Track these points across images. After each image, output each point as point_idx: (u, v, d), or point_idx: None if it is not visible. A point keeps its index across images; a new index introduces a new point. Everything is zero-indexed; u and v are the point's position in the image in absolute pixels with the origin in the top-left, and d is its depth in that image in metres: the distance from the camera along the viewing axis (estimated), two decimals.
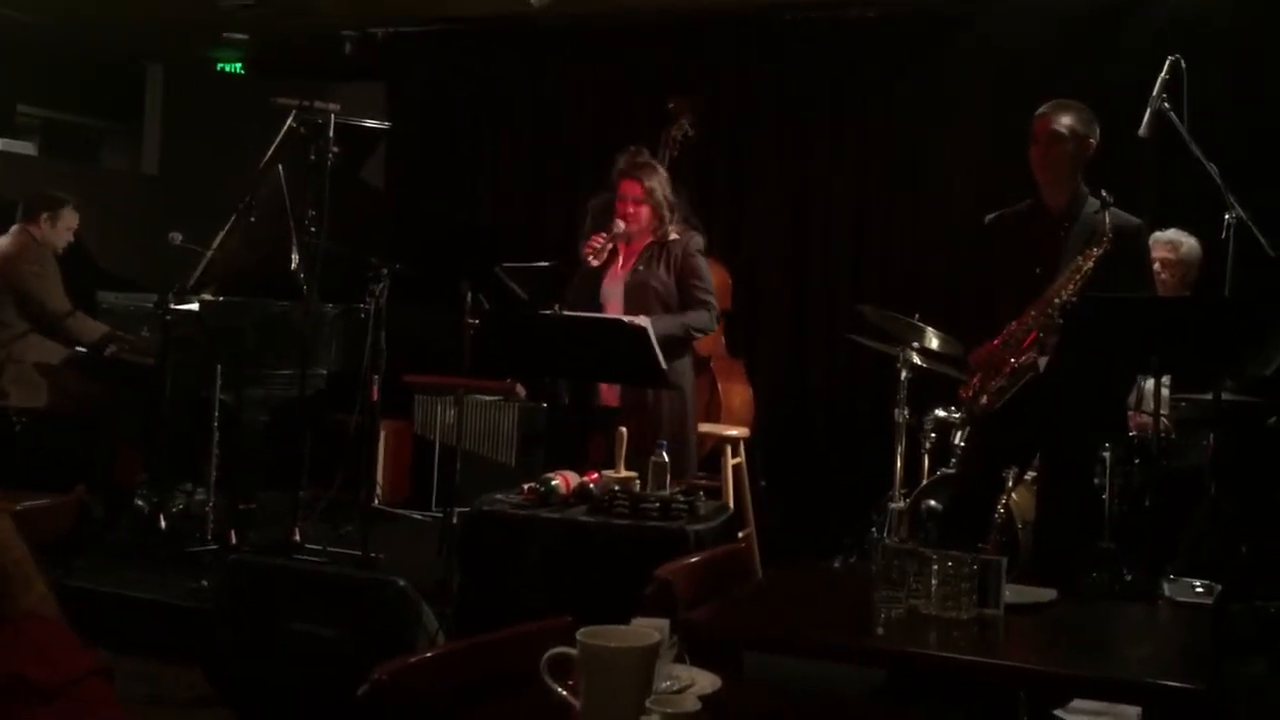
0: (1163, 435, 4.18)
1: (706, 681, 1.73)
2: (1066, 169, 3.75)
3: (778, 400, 6.22)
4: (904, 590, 2.30)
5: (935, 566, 2.30)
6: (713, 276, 5.76)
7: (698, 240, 4.44)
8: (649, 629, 1.64)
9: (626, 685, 1.51)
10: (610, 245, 4.35)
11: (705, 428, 5.37)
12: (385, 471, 6.34)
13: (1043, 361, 3.66)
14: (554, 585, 3.55)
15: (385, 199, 7.44)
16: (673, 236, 4.37)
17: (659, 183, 4.39)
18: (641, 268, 4.38)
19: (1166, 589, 3.74)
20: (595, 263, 4.35)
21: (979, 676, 2.19)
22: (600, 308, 4.43)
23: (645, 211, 4.37)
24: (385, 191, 7.50)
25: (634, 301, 4.32)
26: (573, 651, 1.54)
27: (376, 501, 5.80)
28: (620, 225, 4.36)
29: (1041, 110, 3.80)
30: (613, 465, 3.81)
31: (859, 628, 2.29)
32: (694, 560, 2.55)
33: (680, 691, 1.65)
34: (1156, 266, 4.56)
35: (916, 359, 4.95)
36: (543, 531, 3.63)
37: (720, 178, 6.55)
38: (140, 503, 5.35)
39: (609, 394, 4.44)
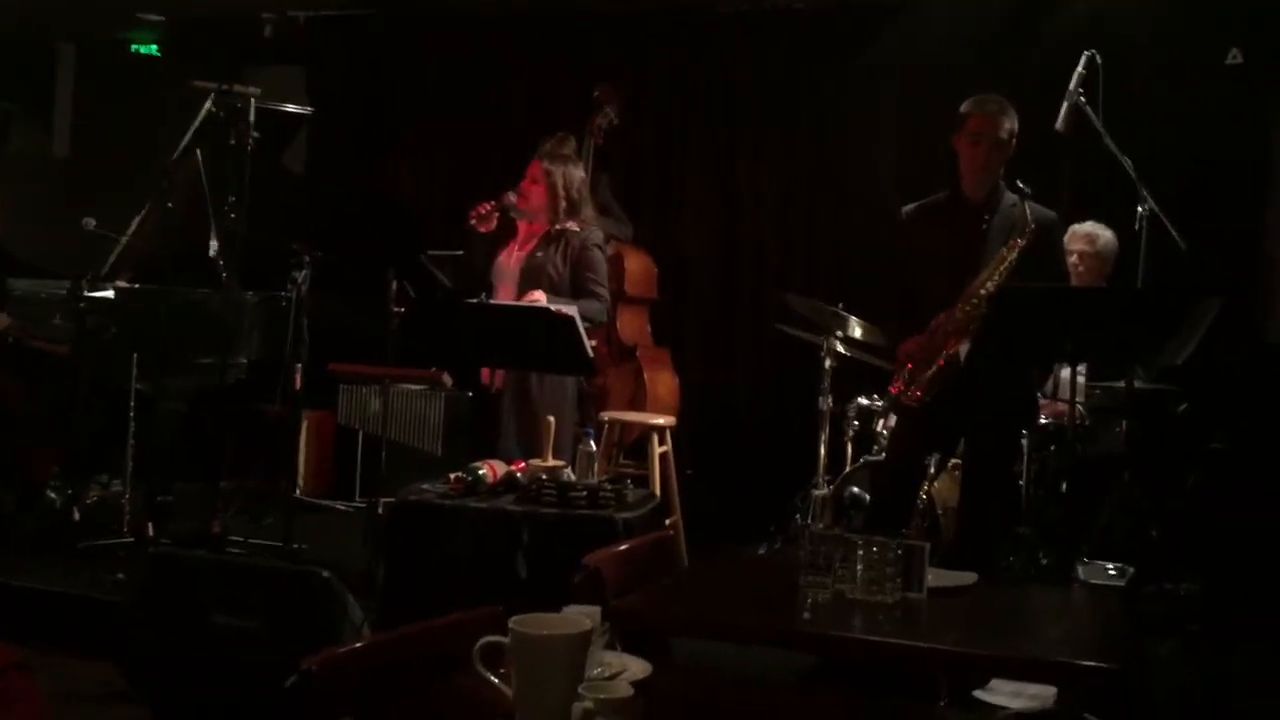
0: (1077, 422, 4.28)
1: (638, 668, 1.74)
2: (1000, 168, 3.85)
3: (704, 389, 6.25)
4: (830, 575, 2.32)
5: (861, 552, 2.33)
6: (639, 266, 5.82)
7: (597, 235, 4.49)
8: (580, 617, 1.64)
9: (559, 673, 1.51)
10: (495, 214, 4.39)
11: (631, 416, 5.39)
12: (307, 462, 6.27)
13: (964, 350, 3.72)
14: (481, 575, 3.54)
15: (306, 185, 7.33)
16: (572, 227, 4.40)
17: (564, 174, 4.43)
18: (540, 253, 4.40)
19: (1080, 572, 3.84)
20: (480, 229, 4.39)
21: (902, 659, 2.22)
22: (493, 284, 4.45)
23: (537, 192, 4.42)
24: (306, 177, 7.39)
25: (528, 284, 4.34)
26: (505, 640, 1.54)
27: (298, 492, 5.72)
28: (511, 198, 4.40)
29: (985, 110, 3.83)
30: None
31: (785, 613, 2.31)
32: (623, 548, 2.55)
33: (612, 678, 1.66)
34: (1074, 259, 4.67)
35: (840, 348, 5.01)
36: (470, 521, 3.61)
37: (649, 167, 6.56)
38: (53, 495, 5.21)
39: (496, 377, 4.42)
